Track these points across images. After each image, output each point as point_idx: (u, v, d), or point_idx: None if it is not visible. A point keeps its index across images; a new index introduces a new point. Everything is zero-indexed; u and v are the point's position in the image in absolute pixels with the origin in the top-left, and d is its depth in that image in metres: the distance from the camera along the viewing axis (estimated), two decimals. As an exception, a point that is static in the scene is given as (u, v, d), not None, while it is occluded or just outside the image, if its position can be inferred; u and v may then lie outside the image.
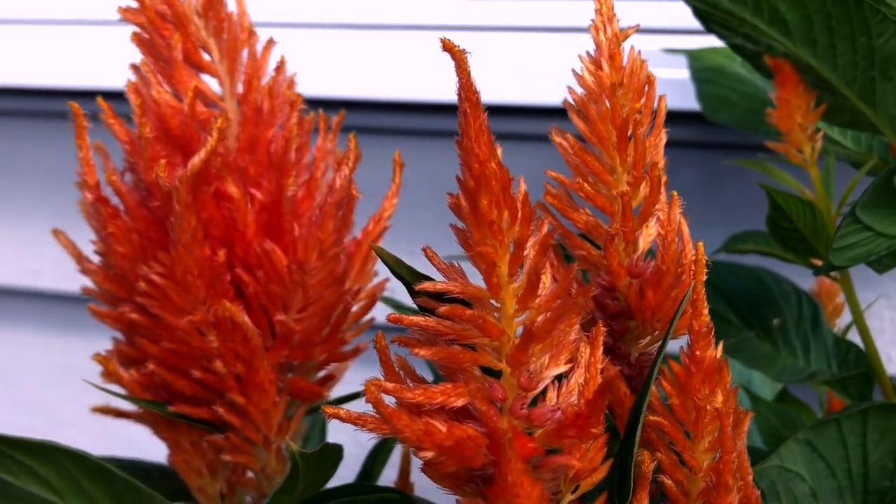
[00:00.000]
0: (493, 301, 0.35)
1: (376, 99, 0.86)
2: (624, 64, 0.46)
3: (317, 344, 0.46)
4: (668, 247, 0.43)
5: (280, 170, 0.46)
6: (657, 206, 0.45)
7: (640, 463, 0.40)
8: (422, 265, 0.37)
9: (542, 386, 0.36)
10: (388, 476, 0.57)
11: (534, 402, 0.36)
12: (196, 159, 0.42)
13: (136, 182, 0.46)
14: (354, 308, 0.48)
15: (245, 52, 0.48)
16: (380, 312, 0.49)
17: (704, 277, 0.41)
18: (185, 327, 0.43)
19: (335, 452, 0.40)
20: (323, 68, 0.87)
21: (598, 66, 0.46)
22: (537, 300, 0.34)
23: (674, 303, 0.43)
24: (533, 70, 0.88)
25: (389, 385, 0.35)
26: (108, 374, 0.45)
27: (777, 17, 0.61)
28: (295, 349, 0.45)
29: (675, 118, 0.88)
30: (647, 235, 0.46)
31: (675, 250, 0.43)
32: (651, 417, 0.41)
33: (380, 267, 0.47)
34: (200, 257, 0.43)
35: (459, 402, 0.35)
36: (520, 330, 0.35)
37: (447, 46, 0.34)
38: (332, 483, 0.47)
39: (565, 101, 0.47)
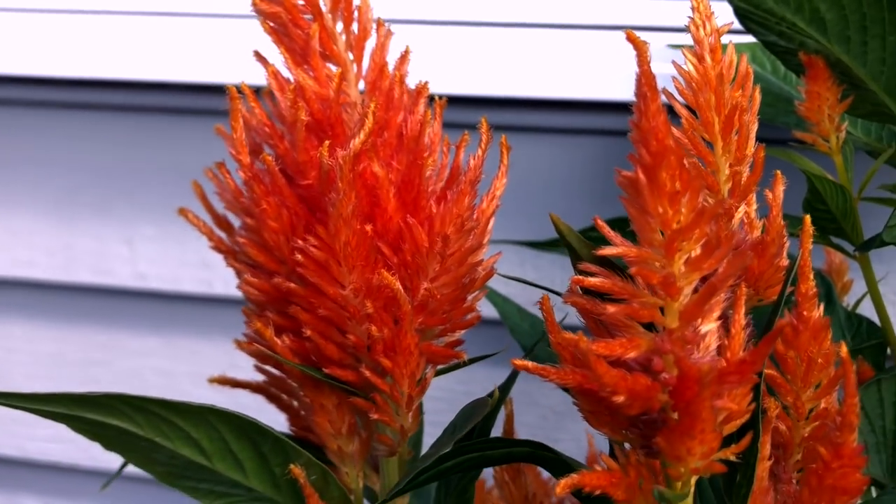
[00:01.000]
0: (661, 265, 0.40)
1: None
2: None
3: (447, 311, 0.50)
4: (773, 220, 0.49)
5: (414, 152, 0.49)
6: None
7: (765, 410, 0.45)
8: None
9: (701, 340, 0.41)
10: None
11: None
12: (357, 140, 0.45)
13: (277, 163, 0.49)
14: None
15: (370, 43, 0.52)
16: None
17: (811, 247, 0.47)
18: (340, 295, 0.47)
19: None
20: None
21: (701, 60, 0.51)
22: (708, 262, 0.39)
23: (777, 270, 0.49)
24: (554, 64, 0.92)
25: (584, 340, 0.39)
26: (262, 342, 0.48)
27: (816, 16, 0.67)
28: (430, 315, 0.49)
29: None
30: (739, 211, 0.52)
31: (781, 224, 0.49)
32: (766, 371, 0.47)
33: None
34: (358, 231, 0.46)
35: (633, 354, 0.40)
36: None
37: (631, 38, 0.38)
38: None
39: (665, 90, 0.52)
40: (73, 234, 1.12)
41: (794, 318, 0.47)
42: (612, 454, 0.52)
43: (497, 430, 0.58)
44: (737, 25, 0.73)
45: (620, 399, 0.38)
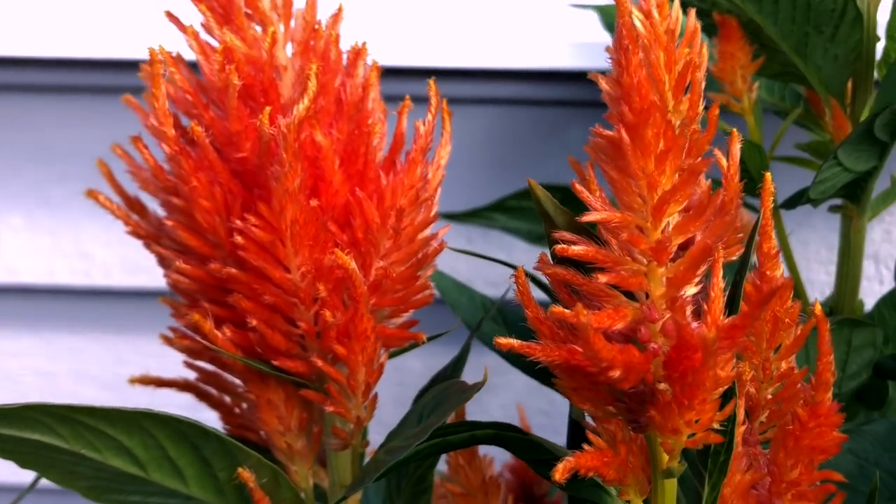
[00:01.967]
0: (645, 229, 0.38)
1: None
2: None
3: (400, 290, 0.46)
4: (731, 179, 0.47)
5: (357, 118, 0.45)
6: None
7: (739, 374, 0.44)
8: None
9: (686, 305, 0.39)
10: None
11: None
12: (301, 106, 0.41)
13: (207, 136, 0.44)
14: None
15: (297, 1, 0.47)
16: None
17: (772, 206, 0.46)
18: (287, 279, 0.42)
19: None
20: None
21: (649, 15, 0.49)
22: (695, 224, 0.37)
23: (735, 231, 0.48)
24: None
25: (568, 311, 0.36)
26: (201, 336, 0.43)
27: (731, -25, 0.67)
28: (383, 296, 0.45)
29: (561, 78, 0.94)
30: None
31: (738, 183, 0.48)
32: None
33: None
34: (306, 207, 0.42)
35: (620, 325, 0.38)
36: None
37: (611, -13, 0.36)
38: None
39: (608, 48, 0.50)
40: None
41: (756, 278, 0.47)
42: (578, 433, 0.50)
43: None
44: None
45: (616, 374, 0.36)
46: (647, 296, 0.38)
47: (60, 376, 1.04)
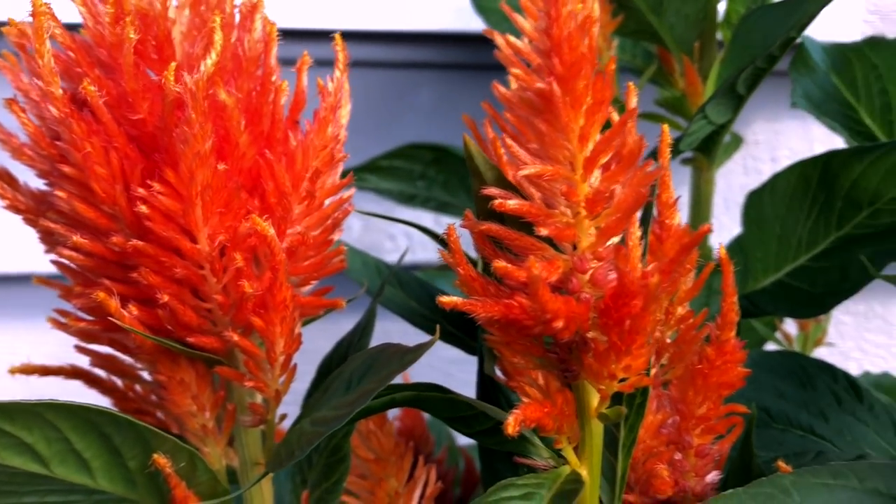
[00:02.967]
0: (573, 181, 0.38)
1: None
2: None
3: (313, 256, 0.44)
4: (629, 132, 0.48)
5: (261, 76, 0.43)
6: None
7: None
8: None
9: (610, 255, 0.40)
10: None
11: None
12: (209, 61, 0.38)
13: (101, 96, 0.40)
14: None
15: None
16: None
17: (669, 160, 0.47)
18: (198, 251, 0.39)
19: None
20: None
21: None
22: (623, 175, 0.38)
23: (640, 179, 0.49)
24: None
25: (510, 266, 0.36)
26: (109, 315, 0.39)
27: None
28: (297, 263, 0.43)
29: (410, 39, 0.93)
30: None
31: (637, 136, 0.49)
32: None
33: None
34: (218, 172, 0.39)
35: (554, 278, 0.38)
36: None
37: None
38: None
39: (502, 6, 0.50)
40: None
41: (656, 227, 0.48)
42: (489, 389, 0.50)
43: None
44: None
45: (559, 324, 0.36)
46: (575, 247, 0.39)
47: None
